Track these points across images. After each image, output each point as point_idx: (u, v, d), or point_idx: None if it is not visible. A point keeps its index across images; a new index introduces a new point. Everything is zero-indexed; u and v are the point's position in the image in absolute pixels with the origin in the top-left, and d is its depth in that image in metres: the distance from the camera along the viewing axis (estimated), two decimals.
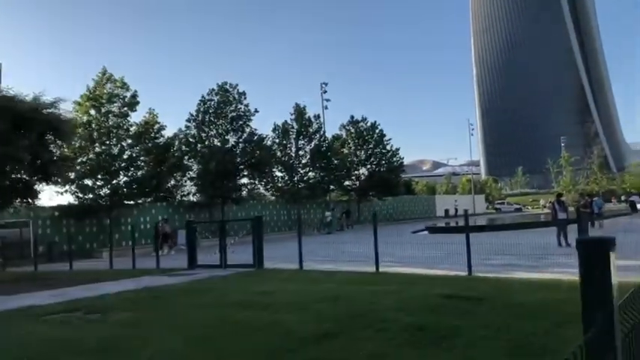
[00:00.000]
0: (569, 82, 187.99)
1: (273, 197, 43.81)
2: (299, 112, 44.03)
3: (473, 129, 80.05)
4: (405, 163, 53.85)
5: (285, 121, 43.89)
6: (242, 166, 37.34)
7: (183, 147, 36.58)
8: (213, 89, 38.11)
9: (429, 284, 10.19)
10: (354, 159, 49.29)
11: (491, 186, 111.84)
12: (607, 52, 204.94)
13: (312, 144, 44.03)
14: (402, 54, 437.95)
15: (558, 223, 18.12)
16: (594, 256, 2.23)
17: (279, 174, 43.04)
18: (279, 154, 42.54)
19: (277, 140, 43.02)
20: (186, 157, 36.66)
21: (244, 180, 38.67)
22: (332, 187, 47.45)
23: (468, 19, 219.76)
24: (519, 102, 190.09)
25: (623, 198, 75.65)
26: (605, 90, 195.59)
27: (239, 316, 7.91)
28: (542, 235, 18.82)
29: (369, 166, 49.65)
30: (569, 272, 10.99)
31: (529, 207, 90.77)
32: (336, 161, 45.62)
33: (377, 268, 13.17)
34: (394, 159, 50.30)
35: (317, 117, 45.27)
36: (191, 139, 37.06)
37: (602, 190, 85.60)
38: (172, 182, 35.80)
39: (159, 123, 34.31)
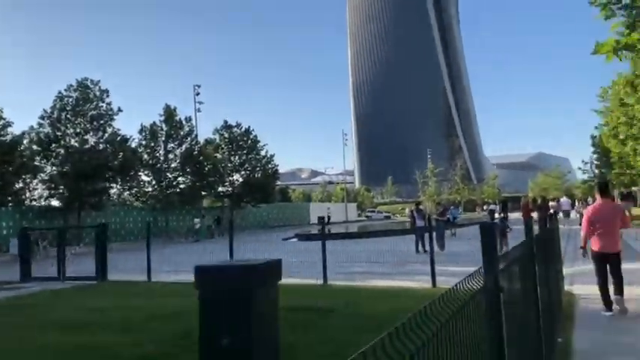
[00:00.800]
0: (438, 100, 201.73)
1: (139, 203, 41.16)
2: (169, 113, 41.92)
3: (347, 139, 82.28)
4: (284, 171, 53.67)
5: (154, 122, 41.56)
6: (103, 169, 34.53)
7: (35, 146, 33.07)
8: (71, 85, 34.99)
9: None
10: (228, 164, 47.96)
11: (363, 195, 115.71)
12: (470, 74, 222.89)
13: (183, 148, 42.13)
14: (283, 61, 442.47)
15: (416, 231, 18.63)
16: None
17: (145, 178, 40.57)
18: (146, 156, 40.10)
19: (144, 142, 40.55)
20: (37, 158, 33.16)
21: (106, 184, 35.84)
22: (204, 192, 45.74)
23: (345, 34, 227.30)
24: (393, 115, 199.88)
25: (485, 207, 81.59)
26: (468, 108, 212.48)
27: (47, 338, 6.69)
28: (405, 242, 19.24)
29: (243, 173, 48.55)
30: (423, 280, 11.06)
31: (397, 215, 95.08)
32: (208, 166, 44.04)
33: None
34: (269, 165, 49.72)
35: (188, 119, 43.46)
36: (44, 138, 33.61)
37: (464, 199, 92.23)
38: (20, 185, 32.15)
39: (3, 119, 30.66)
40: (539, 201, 25.04)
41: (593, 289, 7.76)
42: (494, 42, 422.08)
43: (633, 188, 44.15)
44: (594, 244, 7.51)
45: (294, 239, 32.60)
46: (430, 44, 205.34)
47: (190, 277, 1.17)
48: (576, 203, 42.45)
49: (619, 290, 7.29)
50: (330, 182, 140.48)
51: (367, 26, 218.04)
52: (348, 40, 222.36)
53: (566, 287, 9.95)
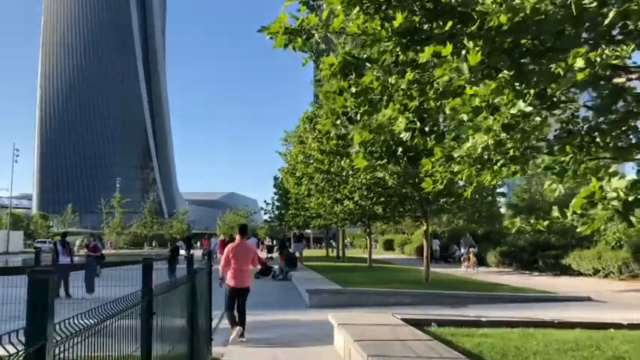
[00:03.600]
0: (135, 129, 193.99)
1: None
2: None
3: (18, 155, 70.05)
4: None
5: None
6: None
7: None
8: None
9: None
10: None
11: (37, 222, 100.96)
12: (171, 105, 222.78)
13: None
14: None
15: (59, 269, 14.50)
16: None
17: None
18: None
19: None
20: None
21: None
22: None
23: (38, 44, 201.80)
24: (85, 142, 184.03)
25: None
26: (166, 141, 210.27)
27: None
28: None
29: None
30: None
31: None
32: None
33: None
34: None
35: None
36: None
37: (152, 233, 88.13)
38: None
39: None
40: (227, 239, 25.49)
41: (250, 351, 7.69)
42: (195, 77, 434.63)
43: (307, 230, 47.50)
44: (230, 280, 8.36)
45: None
46: (133, 74, 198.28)
47: None
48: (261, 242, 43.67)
49: (242, 321, 8.41)
50: (3, 206, 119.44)
51: (64, 42, 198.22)
52: (40, 52, 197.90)
53: (217, 349, 7.61)
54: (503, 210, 48.66)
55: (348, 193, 17.01)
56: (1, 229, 75.13)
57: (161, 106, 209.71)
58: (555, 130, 5.77)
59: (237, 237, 8.70)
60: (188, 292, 5.20)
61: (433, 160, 5.49)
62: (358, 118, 5.58)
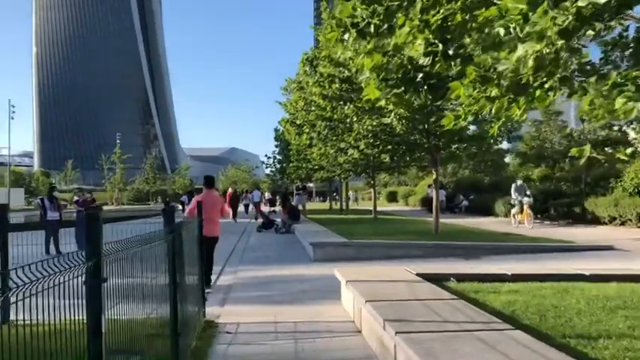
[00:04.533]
0: (134, 84, 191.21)
1: None
2: None
3: (14, 112, 68.56)
4: None
5: None
6: None
7: None
8: None
9: None
10: None
11: (38, 179, 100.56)
12: (170, 60, 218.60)
13: None
14: None
15: (47, 226, 13.69)
16: None
17: None
18: None
19: None
20: None
21: None
22: None
23: None
24: (84, 97, 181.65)
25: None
26: (165, 97, 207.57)
27: None
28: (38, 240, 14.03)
29: None
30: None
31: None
32: None
33: None
34: None
35: None
36: None
37: (154, 189, 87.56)
38: None
39: None
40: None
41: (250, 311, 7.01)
42: (192, 34, 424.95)
43: (309, 184, 46.76)
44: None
45: None
46: (129, 28, 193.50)
47: None
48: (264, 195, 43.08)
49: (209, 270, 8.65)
50: (2, 164, 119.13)
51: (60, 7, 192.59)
52: (34, 5, 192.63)
53: (213, 309, 6.86)
54: (507, 159, 47.72)
55: (352, 142, 15.90)
56: (3, 187, 74.70)
57: (159, 60, 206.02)
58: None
59: (204, 188, 9.24)
60: (168, 248, 4.35)
61: (465, 82, 4.47)
62: (372, 30, 4.50)
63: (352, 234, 15.03)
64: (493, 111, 5.27)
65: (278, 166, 39.58)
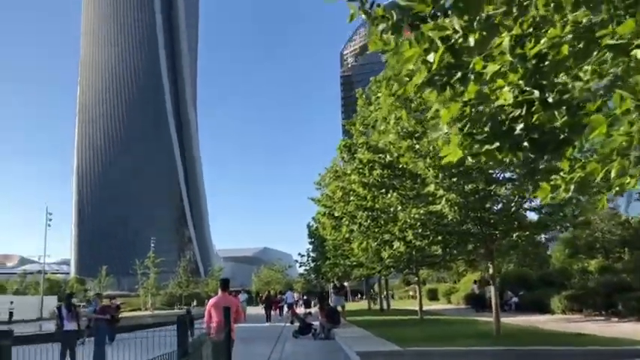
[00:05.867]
0: (169, 190, 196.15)
1: None
2: None
3: (51, 219, 69.31)
4: None
5: None
6: None
7: None
8: None
9: None
10: None
11: (73, 286, 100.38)
12: (204, 167, 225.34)
13: None
14: None
15: (62, 339, 12.21)
16: None
17: None
18: None
19: None
20: None
21: None
22: None
23: (74, 105, 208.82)
24: (119, 202, 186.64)
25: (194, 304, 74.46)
26: (200, 198, 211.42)
27: None
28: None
29: None
30: None
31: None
32: None
33: None
34: None
35: None
36: None
37: (187, 292, 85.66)
38: None
39: None
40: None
41: None
42: (223, 132, 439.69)
43: (345, 283, 44.59)
44: (214, 333, 7.99)
45: None
46: (166, 137, 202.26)
47: None
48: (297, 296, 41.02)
49: None
50: (40, 272, 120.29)
51: (99, 113, 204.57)
52: (77, 117, 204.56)
53: None
54: (549, 251, 44.87)
55: (397, 233, 14.37)
56: (37, 295, 74.26)
57: (194, 164, 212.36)
58: None
59: (219, 291, 9.14)
60: None
61: (618, 111, 3.12)
62: (471, 43, 3.20)
63: (402, 339, 13.14)
64: (613, 173, 3.91)
65: (312, 264, 37.91)
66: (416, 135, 12.24)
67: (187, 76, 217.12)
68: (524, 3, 3.06)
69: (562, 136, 3.59)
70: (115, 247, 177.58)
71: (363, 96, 16.83)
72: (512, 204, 12.94)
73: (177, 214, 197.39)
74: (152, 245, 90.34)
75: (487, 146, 3.63)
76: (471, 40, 2.98)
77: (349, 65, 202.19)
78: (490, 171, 11.76)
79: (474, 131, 3.69)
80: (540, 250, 38.80)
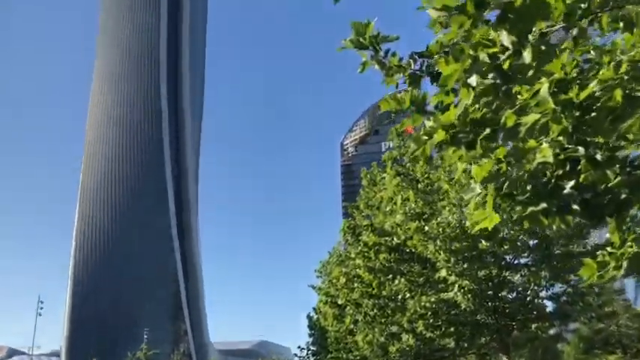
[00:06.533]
0: (166, 284, 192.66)
1: None
2: None
3: (42, 308, 67.10)
4: None
5: None
6: None
7: None
8: None
9: None
10: None
11: None
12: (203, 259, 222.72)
13: None
14: None
15: None
16: None
17: None
18: None
19: None
20: None
21: None
22: None
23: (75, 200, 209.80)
24: (114, 292, 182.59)
25: None
26: (198, 293, 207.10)
27: None
28: None
29: None
30: None
31: None
32: None
33: None
34: None
35: None
36: None
37: None
38: None
39: None
40: None
41: None
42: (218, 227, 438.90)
43: None
44: None
45: None
46: (166, 226, 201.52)
47: None
48: None
49: None
50: None
51: (100, 199, 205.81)
52: (78, 200, 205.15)
53: None
54: (560, 346, 42.44)
55: (406, 324, 13.15)
56: None
57: (192, 254, 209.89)
58: None
59: None
60: None
61: None
62: (527, 59, 2.62)
63: None
64: None
65: (312, 359, 35.65)
66: (424, 217, 11.64)
67: (190, 160, 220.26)
68: (588, 18, 2.56)
69: (623, 197, 2.99)
70: (108, 337, 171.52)
71: (368, 176, 16.49)
72: (529, 292, 12.05)
73: (173, 306, 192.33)
74: (145, 337, 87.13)
75: (532, 208, 2.99)
76: (526, 56, 2.43)
77: (349, 155, 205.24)
78: (505, 256, 11.01)
79: (515, 192, 3.08)
80: (553, 345, 36.77)
